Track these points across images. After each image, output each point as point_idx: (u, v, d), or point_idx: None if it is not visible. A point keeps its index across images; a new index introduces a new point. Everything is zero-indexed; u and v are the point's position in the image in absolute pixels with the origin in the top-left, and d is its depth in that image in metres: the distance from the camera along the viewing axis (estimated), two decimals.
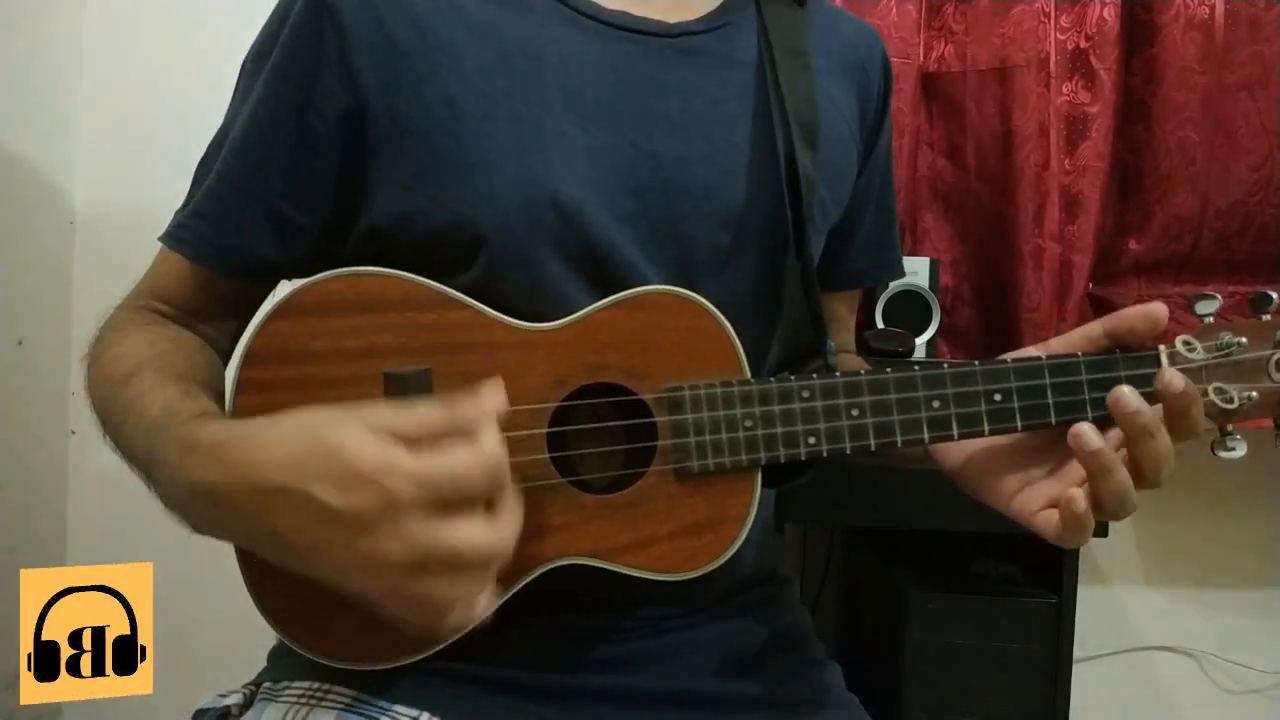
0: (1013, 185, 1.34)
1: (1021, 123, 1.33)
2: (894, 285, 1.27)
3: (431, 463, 0.46)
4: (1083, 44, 1.34)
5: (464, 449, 0.47)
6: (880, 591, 1.28)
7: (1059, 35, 1.33)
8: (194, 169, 0.69)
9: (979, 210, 1.41)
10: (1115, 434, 0.56)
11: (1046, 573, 1.18)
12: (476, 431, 0.48)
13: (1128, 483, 0.55)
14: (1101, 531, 1.16)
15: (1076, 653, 1.15)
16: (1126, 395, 0.55)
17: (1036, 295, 1.33)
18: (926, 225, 1.45)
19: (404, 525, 0.45)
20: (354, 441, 0.46)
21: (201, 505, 0.51)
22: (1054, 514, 0.57)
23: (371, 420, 0.47)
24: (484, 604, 0.49)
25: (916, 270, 1.28)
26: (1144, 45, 1.34)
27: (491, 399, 0.50)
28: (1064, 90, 1.33)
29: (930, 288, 1.28)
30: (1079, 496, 0.55)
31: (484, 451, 0.47)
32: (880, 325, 1.27)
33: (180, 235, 0.67)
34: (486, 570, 0.48)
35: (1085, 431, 0.55)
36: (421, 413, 0.48)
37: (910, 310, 1.27)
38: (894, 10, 1.35)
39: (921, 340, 1.27)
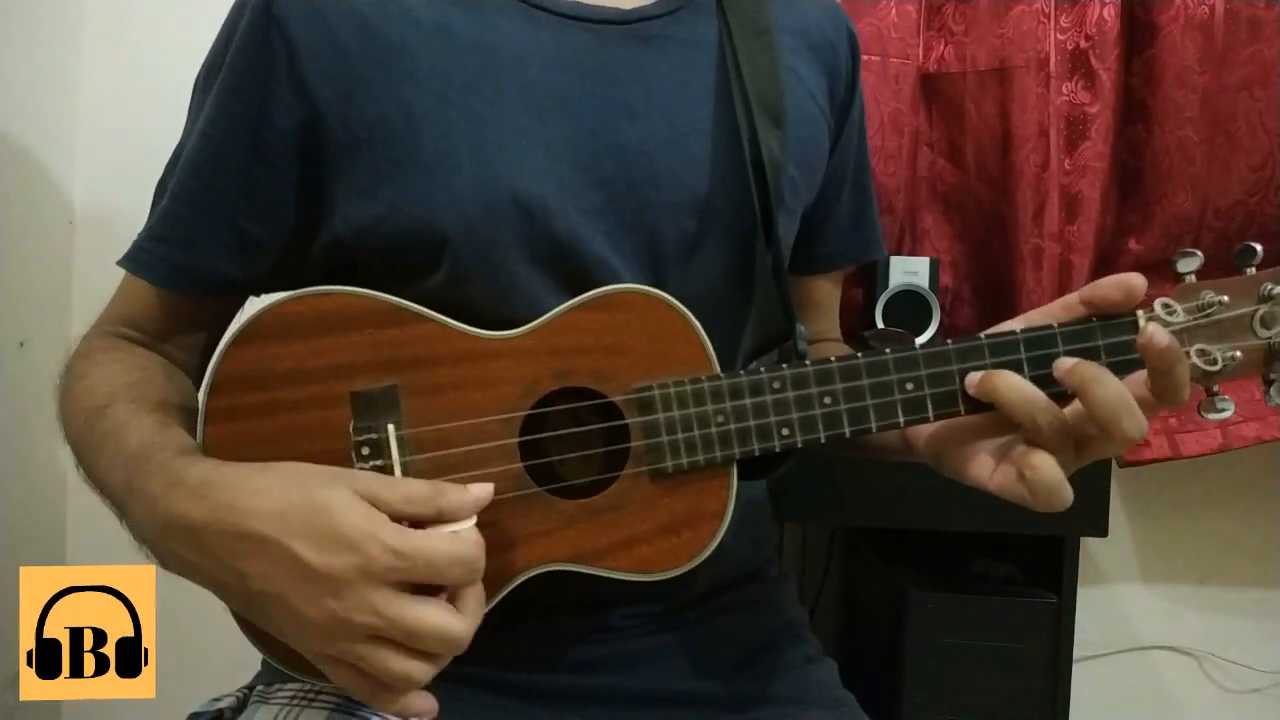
0: (1012, 185, 1.34)
1: (1021, 123, 1.33)
2: (894, 285, 1.27)
3: (413, 539, 0.47)
4: (1082, 44, 1.33)
5: (446, 535, 0.48)
6: (880, 591, 1.28)
7: (1059, 35, 1.32)
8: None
9: (979, 210, 1.41)
10: (1076, 408, 0.55)
11: (1046, 573, 1.18)
12: (459, 520, 0.49)
13: (1186, 377, 0.54)
14: (1101, 531, 1.16)
15: (1076, 653, 1.15)
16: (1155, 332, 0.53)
17: (1036, 295, 1.32)
18: (926, 225, 1.45)
19: (372, 594, 0.46)
20: (341, 504, 0.47)
21: (175, 541, 0.51)
22: (1011, 470, 0.56)
23: (361, 486, 0.49)
24: (422, 697, 0.49)
25: (916, 270, 1.28)
26: (1144, 45, 1.34)
27: (480, 490, 0.51)
28: (1064, 90, 1.33)
29: (930, 288, 1.28)
30: (1041, 463, 0.53)
31: (465, 541, 0.49)
32: (880, 325, 1.27)
33: (140, 259, 0.66)
34: (440, 659, 0.49)
35: (1157, 331, 0.52)
36: (411, 488, 0.49)
37: (910, 310, 1.27)
38: (894, 10, 1.35)
39: (921, 340, 1.27)
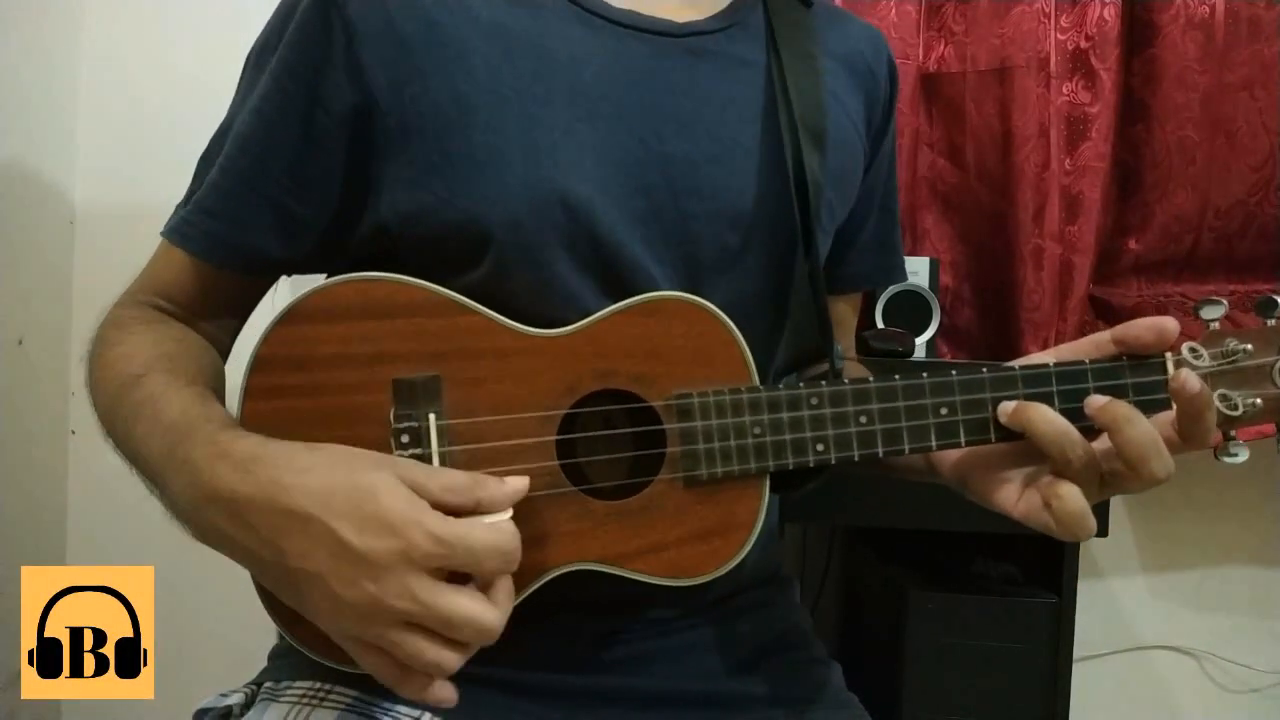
0: (1013, 185, 1.34)
1: (1021, 123, 1.33)
2: (894, 285, 1.27)
3: (455, 527, 0.48)
4: (1083, 44, 1.33)
5: (486, 525, 0.49)
6: (880, 591, 1.28)
7: (1059, 35, 1.33)
8: (194, 168, 0.69)
9: (979, 210, 1.41)
10: (1104, 444, 0.56)
11: (1046, 573, 1.18)
12: (496, 511, 0.50)
13: (1214, 421, 0.56)
14: (1101, 531, 1.16)
15: (1076, 653, 1.15)
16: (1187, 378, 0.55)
17: (1036, 295, 1.33)
18: (926, 225, 1.45)
19: (411, 580, 0.47)
20: (386, 488, 0.48)
21: (216, 513, 0.51)
22: (1036, 499, 0.57)
23: (404, 473, 0.49)
24: (445, 687, 0.50)
25: (916, 270, 1.28)
26: (1144, 45, 1.34)
27: (517, 483, 0.52)
28: (1064, 90, 1.33)
29: (930, 288, 1.28)
30: (1068, 494, 0.55)
31: (503, 532, 0.49)
32: (880, 325, 1.27)
33: (183, 230, 0.66)
34: (469, 646, 0.49)
35: (1189, 376, 0.54)
36: (451, 477, 0.50)
37: (910, 310, 1.27)
38: (894, 10, 1.35)
39: (921, 340, 1.27)
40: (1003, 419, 0.58)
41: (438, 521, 0.47)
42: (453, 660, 0.49)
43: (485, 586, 0.50)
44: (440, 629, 0.48)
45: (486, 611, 0.48)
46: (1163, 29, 1.32)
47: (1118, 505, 1.50)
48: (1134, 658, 1.55)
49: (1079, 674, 1.17)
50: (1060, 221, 1.33)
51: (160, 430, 0.55)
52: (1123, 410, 0.55)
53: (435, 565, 0.47)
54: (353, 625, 0.49)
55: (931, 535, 1.26)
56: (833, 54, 0.74)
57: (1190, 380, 0.54)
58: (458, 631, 0.48)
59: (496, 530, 0.49)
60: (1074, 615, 1.15)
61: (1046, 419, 0.56)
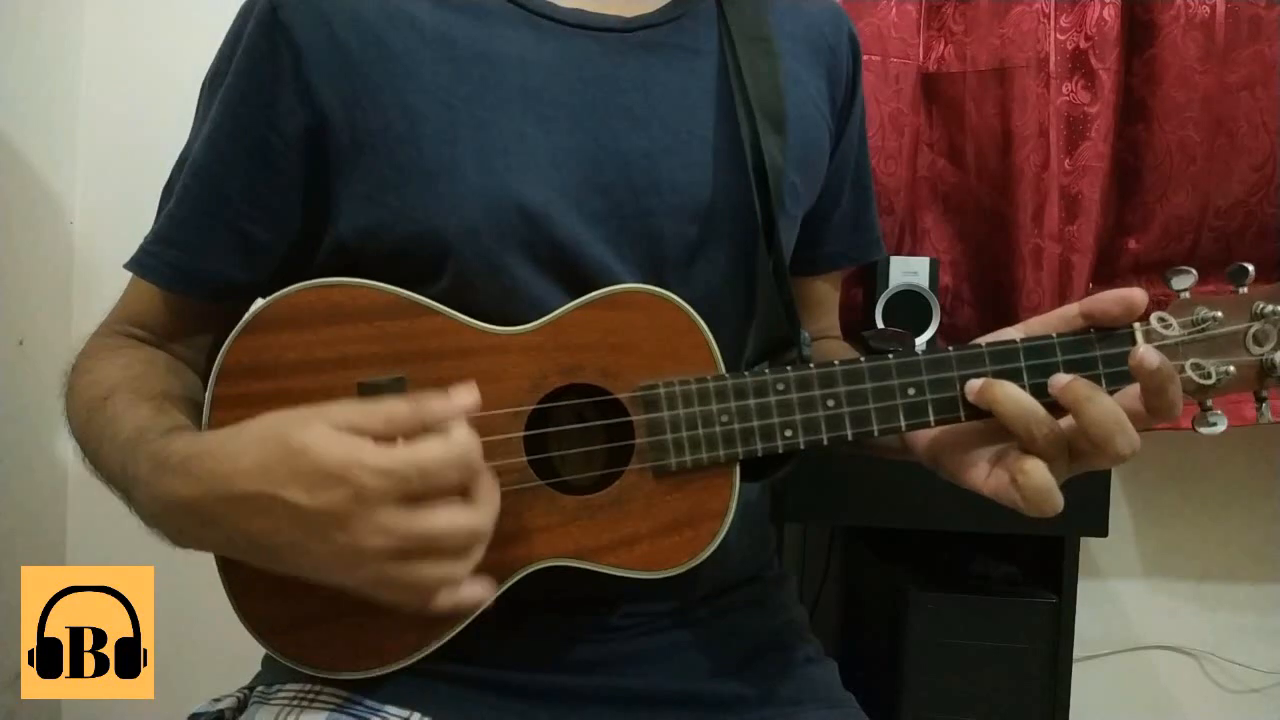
0: (1012, 185, 1.34)
1: (1021, 123, 1.33)
2: (894, 285, 1.27)
3: (397, 454, 0.47)
4: (1083, 44, 1.33)
5: (432, 441, 0.48)
6: (880, 591, 1.28)
7: (1059, 35, 1.32)
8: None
9: (979, 210, 1.41)
10: (1070, 421, 0.56)
11: (1046, 573, 1.18)
12: (446, 426, 0.48)
13: (1179, 394, 0.54)
14: (1101, 531, 1.16)
15: (1076, 653, 1.15)
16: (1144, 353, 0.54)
17: (1036, 295, 1.32)
18: (926, 225, 1.45)
19: (376, 517, 0.46)
20: (318, 440, 0.47)
21: (178, 519, 0.52)
22: (1004, 475, 0.57)
23: (336, 418, 0.48)
24: (470, 587, 0.50)
25: (916, 270, 1.28)
26: (1144, 45, 1.34)
27: (462, 396, 0.51)
28: (1064, 90, 1.33)
29: (930, 288, 1.28)
30: (1033, 469, 0.55)
31: (453, 441, 0.48)
32: (880, 325, 1.27)
33: (146, 262, 0.67)
34: (468, 551, 0.49)
35: (1148, 352, 0.53)
36: (387, 408, 0.49)
37: (910, 310, 1.27)
38: (894, 10, 1.35)
39: (921, 340, 1.27)
40: (969, 397, 0.58)
41: (377, 455, 0.46)
42: (458, 569, 0.48)
43: (466, 492, 0.49)
44: (430, 548, 0.47)
45: (465, 515, 0.48)
46: (1163, 29, 1.32)
47: (1118, 505, 1.50)
48: (1134, 658, 1.55)
49: (1079, 674, 1.17)
50: (1060, 221, 1.33)
51: (117, 448, 0.56)
52: (1084, 389, 0.55)
53: (395, 497, 0.47)
54: (348, 575, 0.49)
55: (931, 535, 1.26)
56: (790, 35, 0.74)
57: (1149, 355, 0.53)
58: (447, 544, 0.48)
59: (444, 442, 0.48)
60: (1074, 615, 1.15)
61: (1011, 397, 0.56)
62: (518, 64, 0.64)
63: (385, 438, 0.48)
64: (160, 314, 0.68)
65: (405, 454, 0.47)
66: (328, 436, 0.47)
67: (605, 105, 0.65)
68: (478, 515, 0.49)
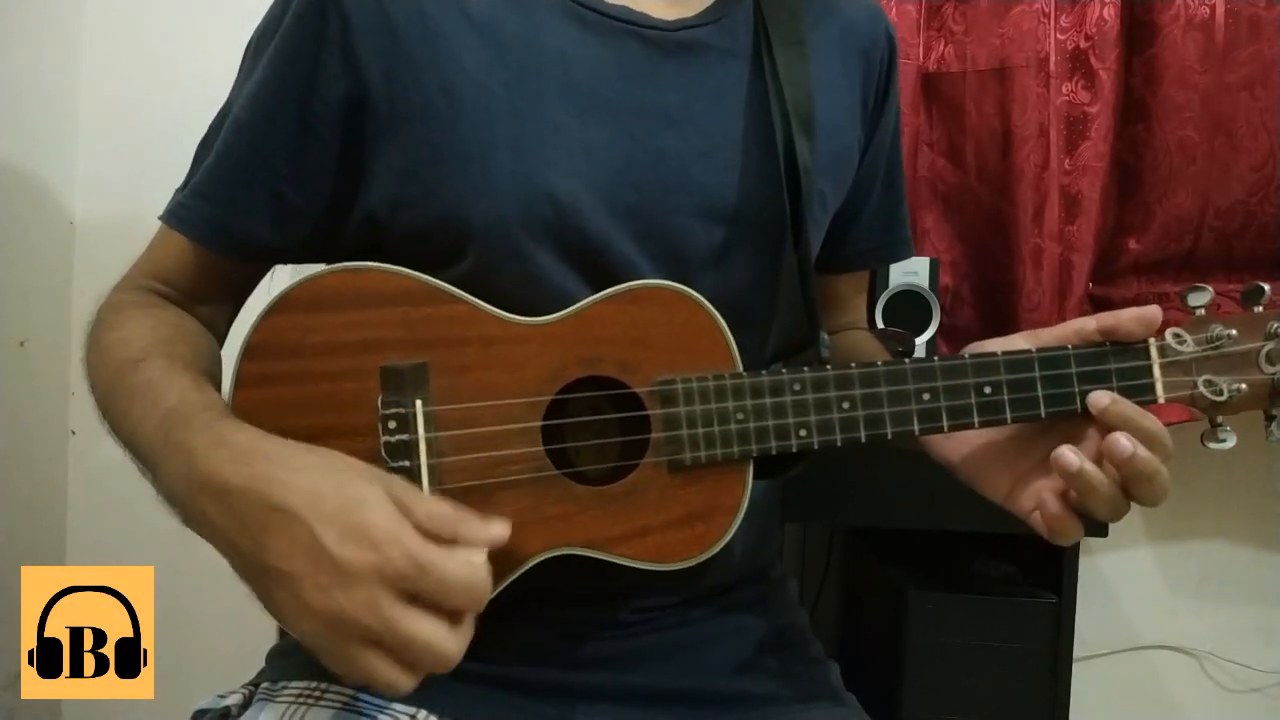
0: (1012, 185, 1.34)
1: (1021, 123, 1.33)
2: (894, 285, 1.27)
3: (434, 553, 0.47)
4: (1082, 44, 1.33)
5: (462, 559, 0.48)
6: (880, 591, 1.28)
7: (1059, 35, 1.32)
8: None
9: (979, 210, 1.41)
10: (1094, 441, 0.57)
11: (1046, 573, 1.18)
12: (472, 550, 0.49)
13: (1115, 493, 0.56)
14: (1101, 531, 1.16)
15: (1076, 653, 1.15)
16: (1120, 440, 0.55)
17: (1036, 295, 1.32)
18: (926, 225, 1.45)
19: (378, 595, 0.47)
20: (375, 502, 0.48)
21: (206, 500, 0.51)
22: (1027, 496, 0.59)
23: (394, 490, 0.49)
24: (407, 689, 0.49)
25: (916, 270, 1.28)
26: (1144, 45, 1.34)
27: (497, 529, 0.51)
28: (1064, 90, 1.33)
29: (930, 288, 1.28)
30: (1050, 500, 0.57)
31: (477, 570, 0.49)
32: (880, 325, 1.27)
33: (180, 215, 0.67)
34: (425, 670, 0.49)
35: (1064, 454, 0.55)
36: (435, 505, 0.50)
37: (910, 310, 1.27)
38: (894, 10, 1.35)
39: (921, 340, 1.27)
40: (1094, 409, 0.58)
41: (418, 544, 0.47)
42: (405, 684, 0.48)
43: (449, 619, 0.49)
44: (399, 650, 0.47)
45: (447, 640, 0.48)
46: (1163, 29, 1.32)
47: None
48: (1134, 658, 1.55)
49: (1079, 674, 1.17)
50: (1060, 221, 1.33)
51: (158, 415, 0.56)
52: (1138, 455, 0.55)
53: (406, 587, 0.47)
54: (315, 632, 0.48)
55: (931, 535, 1.26)
56: (826, 37, 0.74)
57: (1066, 456, 0.55)
58: (415, 655, 0.47)
59: (471, 567, 0.48)
60: (1074, 615, 1.15)
61: (1134, 427, 0.56)
62: (560, 56, 0.64)
63: (418, 528, 0.48)
64: (187, 270, 0.68)
65: (439, 556, 0.47)
66: (384, 504, 0.48)
67: (643, 103, 0.66)
68: (454, 644, 0.48)
